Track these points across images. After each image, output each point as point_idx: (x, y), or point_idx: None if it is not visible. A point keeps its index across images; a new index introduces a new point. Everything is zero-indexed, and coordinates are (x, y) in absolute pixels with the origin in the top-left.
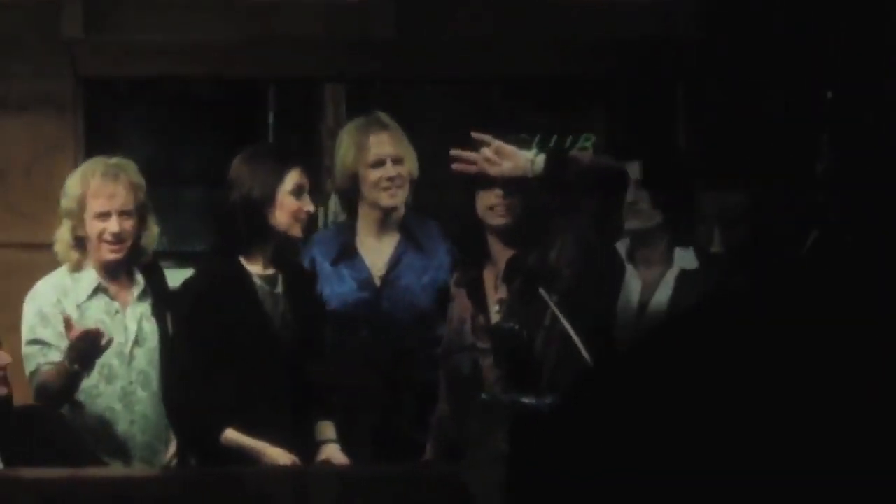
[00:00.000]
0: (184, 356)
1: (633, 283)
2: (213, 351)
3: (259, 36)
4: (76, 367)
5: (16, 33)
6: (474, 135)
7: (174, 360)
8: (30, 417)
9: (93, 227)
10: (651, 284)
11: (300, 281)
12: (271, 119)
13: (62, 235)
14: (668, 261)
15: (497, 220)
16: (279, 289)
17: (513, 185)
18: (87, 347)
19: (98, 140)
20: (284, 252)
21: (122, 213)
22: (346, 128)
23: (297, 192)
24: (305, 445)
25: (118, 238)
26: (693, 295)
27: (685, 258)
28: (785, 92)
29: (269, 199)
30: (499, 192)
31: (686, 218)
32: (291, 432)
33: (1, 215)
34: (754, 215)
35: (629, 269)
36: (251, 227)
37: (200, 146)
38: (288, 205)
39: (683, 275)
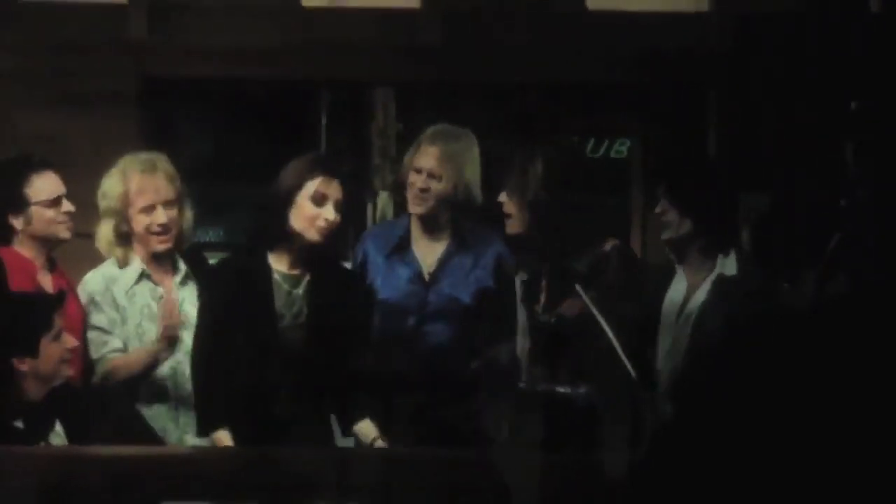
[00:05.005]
0: (199, 334)
1: (680, 285)
2: (219, 335)
3: (313, 41)
4: (164, 355)
5: (85, 35)
6: None
7: (196, 336)
8: (94, 398)
9: (139, 221)
10: (694, 287)
11: (334, 282)
12: (324, 120)
13: (104, 234)
14: (710, 265)
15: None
16: (300, 290)
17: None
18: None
19: (159, 136)
20: (311, 254)
21: (166, 204)
22: (426, 129)
23: (318, 199)
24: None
25: (166, 228)
26: (725, 299)
27: (727, 264)
28: (811, 101)
29: (288, 202)
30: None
31: (719, 224)
32: (289, 422)
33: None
34: (780, 219)
35: (679, 271)
36: (272, 225)
37: (256, 144)
38: (306, 209)
39: (720, 279)
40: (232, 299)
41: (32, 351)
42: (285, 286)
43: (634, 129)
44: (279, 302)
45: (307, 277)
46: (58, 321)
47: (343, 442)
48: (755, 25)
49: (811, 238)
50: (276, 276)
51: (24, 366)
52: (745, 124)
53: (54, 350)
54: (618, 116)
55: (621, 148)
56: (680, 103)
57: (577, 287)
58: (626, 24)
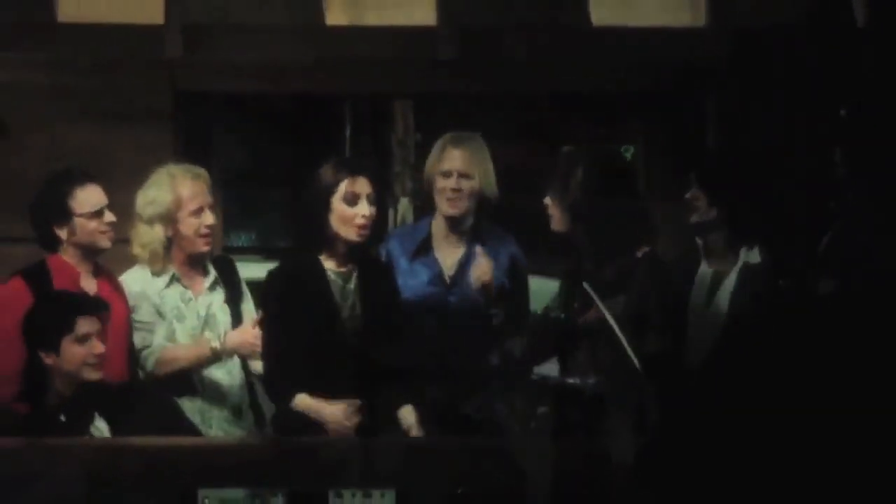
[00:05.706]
0: (267, 335)
1: (705, 275)
2: (287, 332)
3: (337, 57)
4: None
5: (122, 53)
6: None
7: (263, 336)
8: (134, 392)
9: (189, 224)
10: (720, 276)
11: (374, 275)
12: (348, 131)
13: (154, 239)
14: (733, 255)
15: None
16: (352, 284)
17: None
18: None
19: (193, 148)
20: (356, 251)
21: (211, 207)
22: (442, 137)
23: (350, 199)
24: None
25: (213, 229)
26: (752, 286)
27: (751, 257)
28: (802, 107)
29: (326, 207)
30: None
31: (743, 215)
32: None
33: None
34: (774, 219)
35: (703, 262)
36: (317, 232)
37: (285, 154)
38: (341, 211)
39: (746, 268)
40: (293, 298)
41: (54, 348)
42: (339, 281)
43: (637, 135)
44: (336, 296)
45: (355, 272)
46: (83, 325)
47: None
48: (748, 38)
49: (803, 239)
50: (329, 273)
51: (49, 360)
52: (739, 129)
53: (77, 351)
54: (622, 123)
55: (626, 154)
56: (679, 110)
57: (586, 285)
58: (628, 37)
